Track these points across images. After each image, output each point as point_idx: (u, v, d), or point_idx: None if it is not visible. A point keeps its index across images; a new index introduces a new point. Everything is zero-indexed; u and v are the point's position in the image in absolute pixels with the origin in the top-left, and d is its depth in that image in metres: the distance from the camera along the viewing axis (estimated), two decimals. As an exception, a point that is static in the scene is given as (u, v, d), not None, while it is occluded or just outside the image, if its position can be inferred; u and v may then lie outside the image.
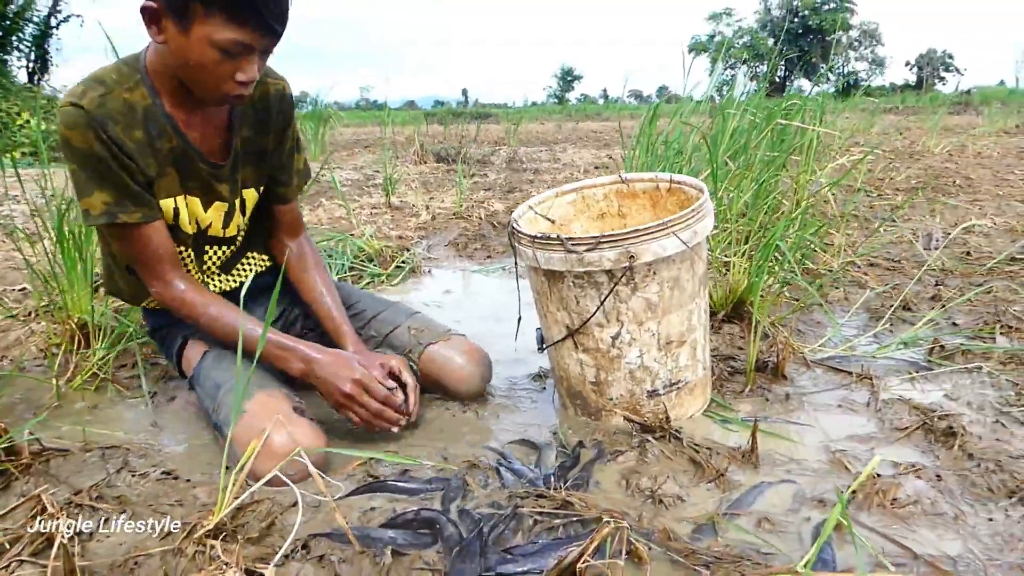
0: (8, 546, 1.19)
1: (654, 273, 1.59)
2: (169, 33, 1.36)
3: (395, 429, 1.64)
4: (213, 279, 1.82)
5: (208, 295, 1.63)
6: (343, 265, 3.22)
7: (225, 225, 1.73)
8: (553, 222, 1.95)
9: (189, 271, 1.73)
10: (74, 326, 2.16)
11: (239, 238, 1.81)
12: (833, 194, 3.97)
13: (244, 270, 1.89)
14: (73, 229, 2.15)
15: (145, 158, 1.50)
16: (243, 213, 1.76)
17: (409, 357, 1.87)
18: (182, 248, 1.69)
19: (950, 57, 62.65)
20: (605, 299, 1.60)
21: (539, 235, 1.61)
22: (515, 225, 1.72)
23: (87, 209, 1.48)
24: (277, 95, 1.69)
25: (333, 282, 1.90)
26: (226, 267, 1.84)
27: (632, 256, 1.54)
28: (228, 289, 1.84)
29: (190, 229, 1.67)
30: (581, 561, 1.12)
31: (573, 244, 1.56)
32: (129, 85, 1.48)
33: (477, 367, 1.87)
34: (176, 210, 1.61)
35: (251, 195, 1.76)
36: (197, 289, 1.63)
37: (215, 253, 1.78)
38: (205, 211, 1.67)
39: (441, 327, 1.93)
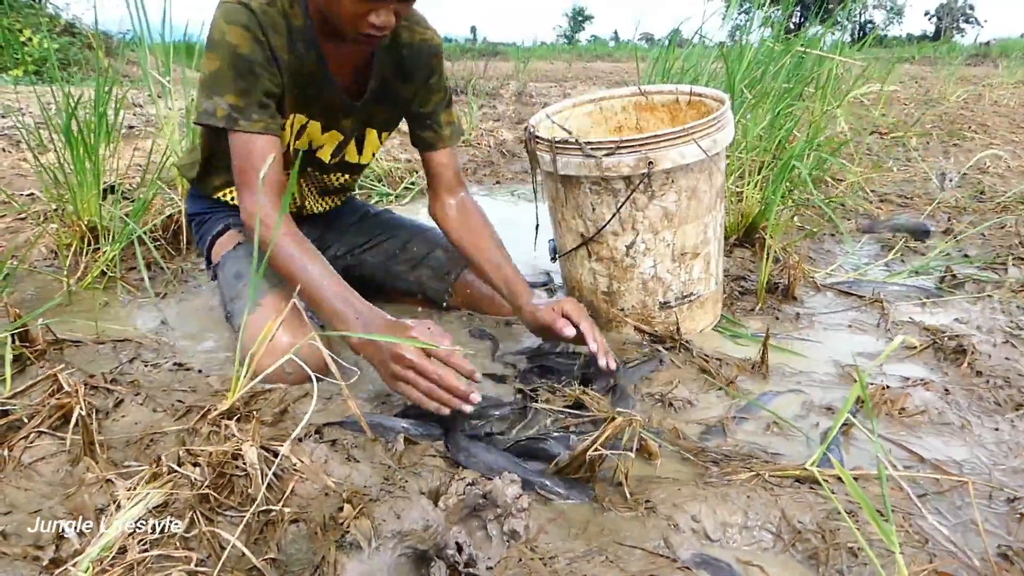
0: (27, 420, 1.20)
1: (672, 181, 1.58)
2: None
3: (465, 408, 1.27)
4: (307, 200, 1.83)
5: (292, 230, 1.46)
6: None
7: (334, 155, 1.72)
8: (569, 133, 1.92)
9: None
10: (84, 227, 2.15)
11: (343, 171, 1.81)
12: (849, 124, 3.92)
13: (336, 200, 1.90)
14: (82, 132, 2.12)
15: (285, 72, 1.48)
16: (359, 150, 1.75)
17: (446, 279, 1.88)
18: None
19: (970, 8, 61.22)
20: (622, 206, 1.58)
21: (558, 139, 1.59)
22: (533, 130, 1.70)
23: (211, 108, 1.42)
24: (425, 46, 1.65)
25: (502, 244, 1.72)
26: (324, 191, 1.84)
27: (651, 162, 1.52)
28: (317, 212, 1.86)
29: (303, 146, 1.65)
30: (593, 450, 1.13)
31: (592, 148, 1.54)
32: (290, 1, 1.45)
33: None
34: (290, 127, 1.59)
35: (372, 136, 1.75)
36: (286, 220, 1.45)
37: (312, 180, 1.79)
38: (321, 134, 1.65)
39: None
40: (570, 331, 1.47)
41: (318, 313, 1.40)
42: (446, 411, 1.25)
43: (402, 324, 1.30)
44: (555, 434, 1.29)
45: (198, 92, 1.46)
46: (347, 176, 1.84)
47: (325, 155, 1.71)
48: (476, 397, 1.25)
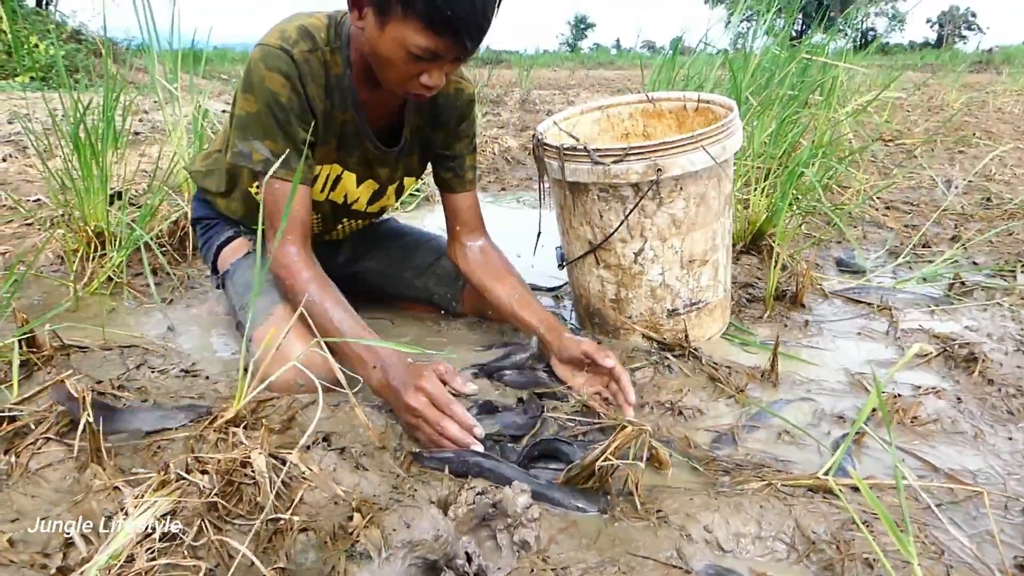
0: (34, 426, 1.19)
1: (681, 188, 1.57)
2: (367, 21, 1.31)
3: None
4: (337, 234, 1.83)
5: (317, 274, 1.46)
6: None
7: (371, 203, 1.71)
8: (577, 140, 1.92)
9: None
10: (90, 233, 2.15)
11: (379, 216, 1.82)
12: (855, 131, 3.92)
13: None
14: (90, 137, 2.12)
15: (320, 122, 1.47)
16: (397, 196, 1.75)
17: (454, 285, 1.88)
18: (315, 215, 1.67)
19: (973, 15, 61.27)
20: (630, 213, 1.58)
21: (566, 146, 1.58)
22: (541, 137, 1.69)
23: (247, 152, 1.43)
24: (459, 94, 1.63)
25: (527, 286, 1.70)
26: (355, 230, 1.85)
27: (660, 169, 1.52)
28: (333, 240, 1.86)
29: (337, 199, 1.65)
30: (603, 459, 1.12)
31: (600, 155, 1.54)
32: (332, 48, 1.44)
33: None
34: (326, 178, 1.58)
35: (411, 183, 1.74)
36: (310, 265, 1.47)
37: (348, 225, 1.79)
38: (357, 187, 1.65)
39: None
40: (611, 361, 1.43)
41: (341, 359, 1.37)
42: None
43: (418, 371, 1.30)
44: (566, 441, 1.28)
45: (234, 133, 1.44)
46: (379, 214, 1.83)
47: (361, 206, 1.71)
48: (477, 447, 1.23)
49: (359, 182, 1.64)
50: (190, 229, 2.33)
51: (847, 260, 2.44)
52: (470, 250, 1.74)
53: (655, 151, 1.51)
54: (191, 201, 1.92)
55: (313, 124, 1.44)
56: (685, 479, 1.22)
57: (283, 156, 1.40)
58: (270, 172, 1.35)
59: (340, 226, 1.78)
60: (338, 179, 1.61)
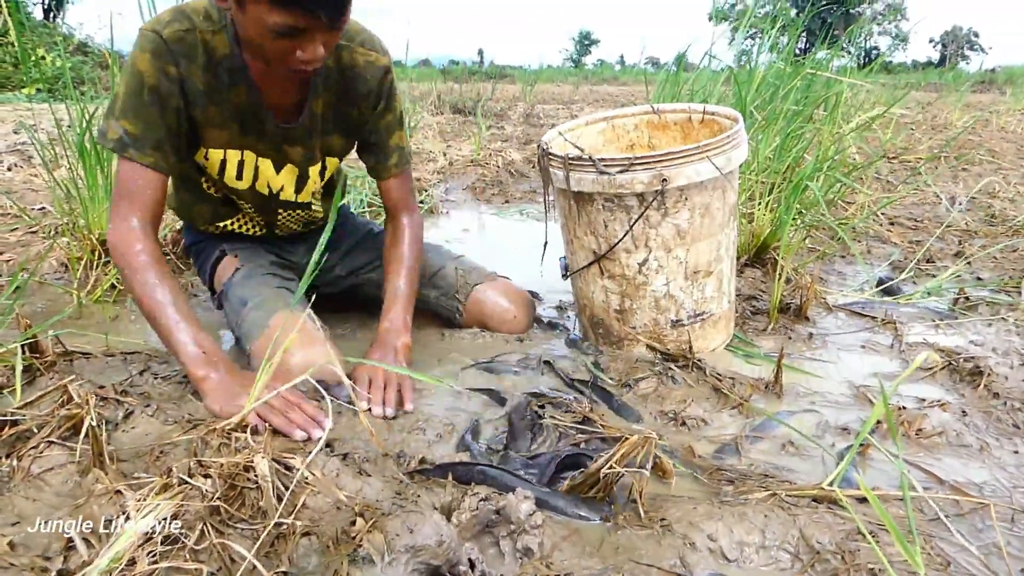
0: (36, 430, 1.19)
1: (686, 199, 1.57)
2: (230, 4, 1.28)
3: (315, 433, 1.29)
4: (286, 227, 1.82)
5: (156, 260, 1.43)
6: (361, 200, 3.20)
7: (298, 191, 1.69)
8: (582, 150, 1.92)
9: (252, 231, 1.77)
10: (95, 241, 2.16)
11: (313, 204, 1.78)
12: (860, 148, 3.93)
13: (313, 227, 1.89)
14: (95, 146, 2.14)
15: (207, 104, 1.46)
16: (324, 179, 1.73)
17: (456, 297, 1.88)
18: (249, 207, 1.69)
19: (975, 35, 61.53)
20: (635, 222, 1.58)
21: (571, 156, 1.59)
22: (546, 147, 1.70)
23: (105, 130, 1.42)
24: (369, 66, 1.58)
25: (416, 260, 1.76)
26: (306, 222, 1.84)
27: (665, 179, 1.52)
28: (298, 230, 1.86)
29: (262, 190, 1.64)
30: (607, 467, 1.12)
31: (605, 165, 1.54)
32: (214, 29, 1.42)
33: (522, 309, 1.87)
34: (224, 163, 1.56)
35: (333, 163, 1.71)
36: (149, 249, 1.43)
37: (288, 217, 1.77)
38: (277, 173, 1.63)
39: (486, 270, 1.93)
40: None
41: (163, 340, 1.41)
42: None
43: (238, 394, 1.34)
44: (566, 450, 1.27)
45: (104, 114, 1.44)
46: (319, 202, 1.80)
47: (289, 195, 1.69)
48: (316, 433, 1.27)
49: (277, 168, 1.61)
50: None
51: (885, 279, 2.37)
52: (389, 231, 1.77)
53: (660, 161, 1.51)
54: (183, 226, 1.94)
55: (197, 105, 1.43)
56: (688, 488, 1.21)
57: (141, 138, 1.39)
58: (124, 152, 1.38)
59: (280, 219, 1.76)
60: (256, 169, 1.59)
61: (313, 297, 1.55)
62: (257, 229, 1.79)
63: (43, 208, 2.83)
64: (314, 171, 1.67)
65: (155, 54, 1.37)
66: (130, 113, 1.39)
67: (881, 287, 2.28)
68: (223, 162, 1.56)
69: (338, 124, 1.63)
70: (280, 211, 1.74)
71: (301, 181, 1.67)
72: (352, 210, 2.22)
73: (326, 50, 1.32)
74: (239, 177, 1.59)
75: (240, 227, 1.77)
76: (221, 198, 1.70)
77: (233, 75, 1.45)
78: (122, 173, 1.42)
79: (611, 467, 1.12)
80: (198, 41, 1.41)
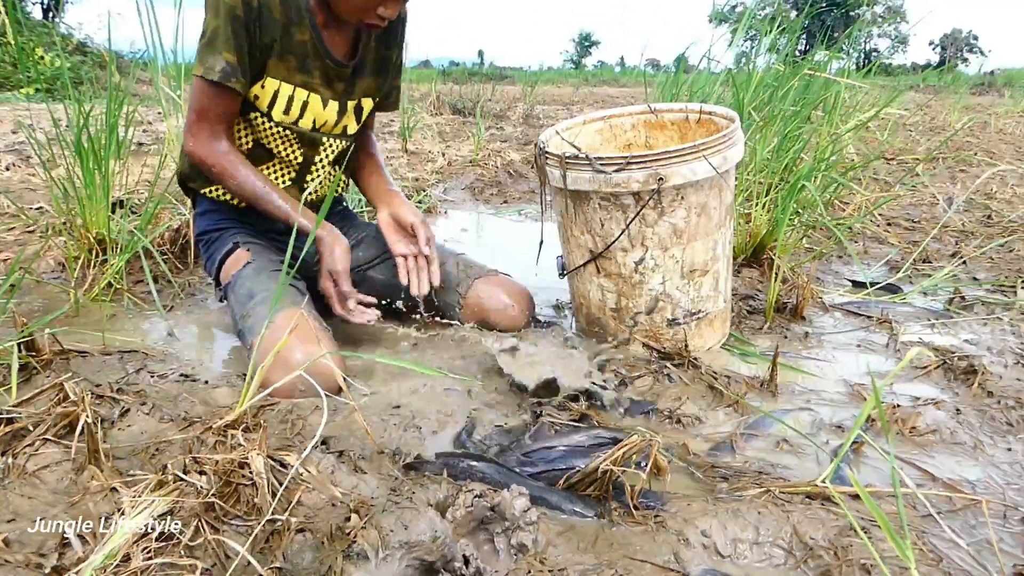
0: (32, 428, 1.19)
1: (682, 198, 1.58)
2: None
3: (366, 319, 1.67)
4: (309, 184, 1.90)
5: (245, 161, 1.68)
6: (360, 199, 3.21)
7: (337, 122, 1.81)
8: (579, 149, 1.93)
9: (290, 162, 1.82)
10: (92, 240, 2.16)
11: (344, 141, 1.89)
12: (858, 149, 3.94)
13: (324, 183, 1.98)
14: (93, 145, 2.14)
15: (276, 36, 1.61)
16: (357, 119, 1.86)
17: (456, 291, 1.89)
18: (293, 136, 1.77)
19: (975, 38, 61.57)
20: (631, 221, 1.58)
21: (568, 154, 1.59)
22: (543, 146, 1.70)
23: (212, 64, 1.56)
24: (402, 17, 1.83)
25: (384, 166, 2.00)
26: (333, 162, 1.93)
27: (661, 178, 1.52)
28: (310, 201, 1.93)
29: (307, 125, 1.75)
30: (605, 465, 1.12)
31: (602, 164, 1.54)
32: None
33: (521, 304, 1.87)
34: (276, 95, 1.68)
35: (368, 104, 1.87)
36: (236, 153, 1.68)
37: (330, 147, 1.85)
38: (323, 108, 1.75)
39: (486, 266, 1.94)
40: (424, 235, 1.77)
41: (272, 213, 1.66)
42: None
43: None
44: (564, 447, 1.28)
45: (200, 49, 1.57)
46: (343, 136, 1.89)
47: (329, 128, 1.81)
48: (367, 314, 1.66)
49: (324, 103, 1.75)
50: (193, 243, 2.34)
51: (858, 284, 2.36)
52: (360, 140, 1.96)
53: (657, 160, 1.52)
54: (192, 215, 1.95)
55: (269, 34, 1.59)
56: (684, 485, 1.22)
57: (238, 65, 1.57)
58: (228, 81, 1.56)
59: (322, 150, 1.83)
60: (305, 104, 1.72)
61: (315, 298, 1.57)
62: (288, 179, 1.85)
63: (40, 207, 2.83)
64: (352, 106, 1.82)
65: None
66: (231, 44, 1.55)
67: (857, 284, 2.31)
68: (275, 94, 1.68)
69: (376, 67, 1.83)
70: (325, 141, 1.82)
71: (341, 115, 1.80)
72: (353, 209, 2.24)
73: (398, 11, 1.57)
74: (287, 112, 1.71)
75: (272, 173, 1.83)
76: (253, 144, 1.78)
77: (301, 15, 1.62)
78: (216, 96, 1.60)
79: (609, 465, 1.12)
80: None
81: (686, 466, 1.26)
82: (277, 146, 1.77)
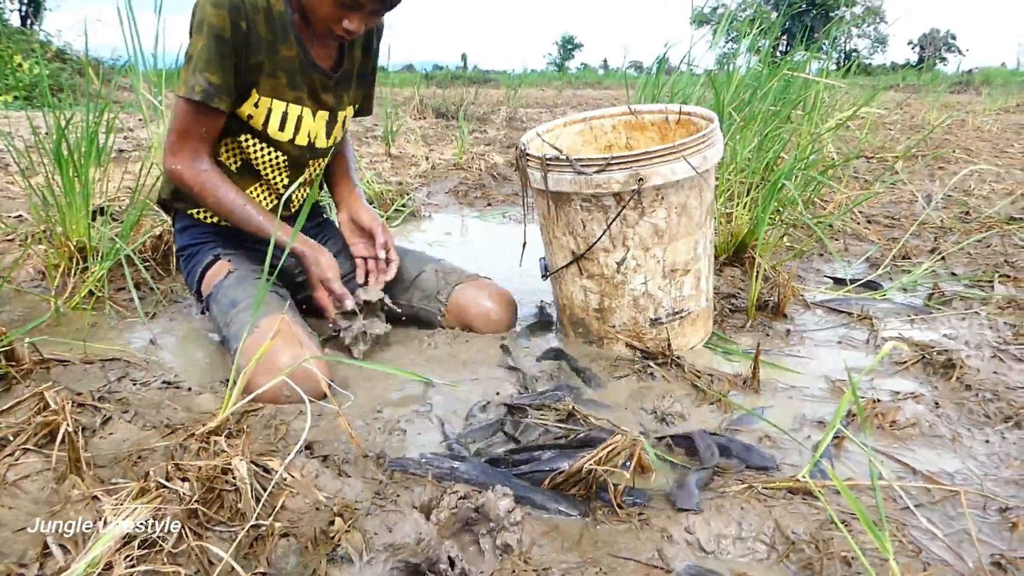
0: (12, 437, 1.18)
1: (662, 198, 1.59)
2: None
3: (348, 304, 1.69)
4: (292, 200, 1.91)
5: (225, 179, 1.68)
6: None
7: (327, 135, 1.83)
8: (560, 151, 1.94)
9: (274, 185, 1.83)
10: (72, 248, 2.14)
11: (327, 158, 1.90)
12: (838, 147, 3.97)
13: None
14: (72, 153, 2.12)
15: (265, 54, 1.62)
16: (343, 128, 1.89)
17: (437, 298, 1.89)
18: (284, 159, 1.77)
19: (952, 38, 62.15)
20: (612, 221, 1.59)
21: (549, 156, 1.60)
22: (524, 148, 1.71)
23: (193, 84, 1.55)
24: (379, 26, 1.87)
25: (352, 167, 2.02)
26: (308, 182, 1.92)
27: (641, 179, 1.53)
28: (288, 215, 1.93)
29: (302, 141, 1.76)
30: (588, 463, 1.12)
31: (583, 165, 1.55)
32: None
33: (504, 308, 1.87)
34: (270, 112, 1.68)
35: (351, 112, 1.89)
36: (217, 171, 1.68)
37: (316, 166, 1.86)
38: (313, 119, 1.76)
39: (467, 271, 1.94)
40: (381, 239, 1.82)
41: (251, 231, 1.67)
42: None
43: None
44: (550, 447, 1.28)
45: (184, 69, 1.57)
46: (329, 150, 1.91)
47: (322, 142, 1.81)
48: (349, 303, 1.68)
49: (314, 114, 1.76)
50: (175, 258, 2.32)
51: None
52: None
53: (637, 161, 1.53)
54: (173, 230, 1.94)
55: (257, 54, 1.60)
56: (667, 483, 1.22)
57: (221, 85, 1.56)
58: (211, 102, 1.55)
59: (309, 170, 1.85)
60: (299, 119, 1.73)
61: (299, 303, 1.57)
62: (273, 199, 1.85)
63: (20, 215, 2.81)
64: (341, 116, 1.85)
65: (226, 9, 1.53)
66: (212, 65, 1.55)
67: (838, 282, 2.33)
68: (269, 111, 1.69)
69: (360, 75, 1.86)
70: (311, 162, 1.84)
71: (330, 127, 1.82)
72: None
73: (365, 27, 1.59)
74: (281, 128, 1.72)
75: (257, 195, 1.82)
76: (241, 165, 1.77)
77: (285, 30, 1.64)
78: (197, 116, 1.60)
79: (592, 466, 1.12)
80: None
81: (670, 464, 1.26)
82: (264, 168, 1.77)
